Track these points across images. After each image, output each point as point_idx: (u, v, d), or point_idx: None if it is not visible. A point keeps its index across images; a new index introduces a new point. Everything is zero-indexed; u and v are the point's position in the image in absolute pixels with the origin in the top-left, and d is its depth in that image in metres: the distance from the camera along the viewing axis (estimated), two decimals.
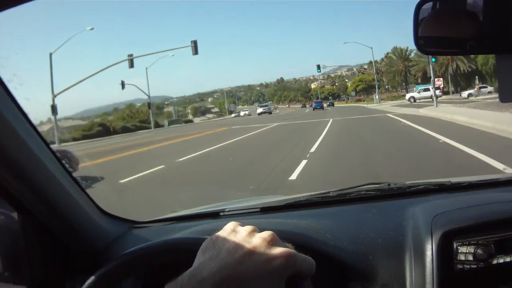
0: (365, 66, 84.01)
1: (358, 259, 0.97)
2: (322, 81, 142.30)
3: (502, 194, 1.17)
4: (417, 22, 0.75)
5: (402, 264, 0.95)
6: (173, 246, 0.81)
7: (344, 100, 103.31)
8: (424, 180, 1.42)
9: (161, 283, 0.56)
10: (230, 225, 0.59)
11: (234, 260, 0.52)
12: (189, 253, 0.57)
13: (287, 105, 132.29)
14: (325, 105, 63.80)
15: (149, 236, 1.19)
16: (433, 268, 0.90)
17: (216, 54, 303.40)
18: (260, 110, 57.42)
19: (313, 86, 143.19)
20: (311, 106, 61.81)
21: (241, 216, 1.28)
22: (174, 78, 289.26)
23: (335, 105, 72.43)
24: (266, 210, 1.29)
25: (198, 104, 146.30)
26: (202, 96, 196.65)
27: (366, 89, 79.95)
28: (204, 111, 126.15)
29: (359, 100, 78.14)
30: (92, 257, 1.06)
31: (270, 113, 54.19)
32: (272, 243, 0.54)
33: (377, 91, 47.92)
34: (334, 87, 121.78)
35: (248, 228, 0.57)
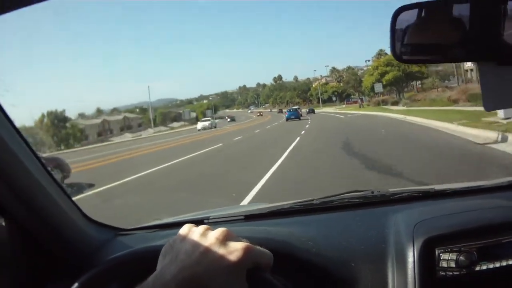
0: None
1: (340, 266, 0.96)
2: (328, 78, 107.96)
3: (485, 201, 1.17)
4: (394, 31, 0.74)
5: (384, 271, 0.95)
6: (141, 254, 0.85)
7: (356, 101, 68.27)
8: (408, 188, 1.39)
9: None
10: (185, 228, 0.61)
11: (192, 260, 0.54)
12: (157, 259, 0.60)
13: (269, 109, 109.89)
14: (305, 110, 53.49)
15: (133, 243, 1.18)
16: (414, 275, 0.90)
17: (217, 54, 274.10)
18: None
19: (315, 85, 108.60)
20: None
21: (225, 223, 1.26)
22: (182, 79, 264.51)
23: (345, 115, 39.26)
24: (250, 217, 1.29)
25: (168, 110, 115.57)
26: (204, 98, 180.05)
27: (398, 81, 43.56)
28: (174, 118, 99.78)
29: (383, 102, 43.20)
30: (77, 262, 1.06)
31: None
32: (226, 239, 0.56)
33: None
34: (340, 83, 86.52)
35: (202, 228, 0.59)
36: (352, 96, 78.53)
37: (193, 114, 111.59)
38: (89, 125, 66.64)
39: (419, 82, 47.26)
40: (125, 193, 7.87)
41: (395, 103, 40.30)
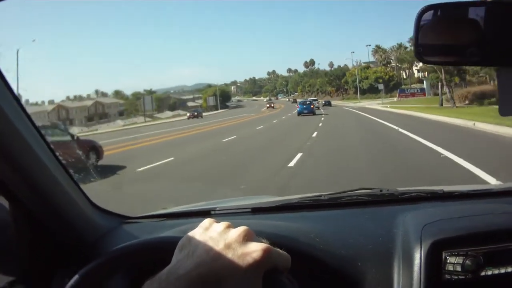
0: None
1: (346, 264, 0.97)
2: (370, 63, 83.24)
3: (493, 206, 1.18)
4: (418, 31, 0.73)
5: (390, 271, 0.95)
6: (155, 245, 0.82)
7: (414, 94, 44.37)
8: (416, 188, 1.39)
9: (147, 279, 0.57)
10: (206, 222, 0.59)
11: (209, 257, 0.53)
12: (171, 251, 0.58)
13: (291, 99, 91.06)
14: (321, 101, 49.92)
15: (139, 232, 1.19)
16: (420, 277, 0.91)
17: (245, 41, 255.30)
18: None
19: (352, 69, 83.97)
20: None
21: (232, 215, 1.28)
22: (219, 65, 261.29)
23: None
24: (257, 210, 1.29)
25: (166, 95, 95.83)
26: (234, 84, 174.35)
27: None
28: (173, 105, 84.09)
29: (485, 97, 19.92)
30: (82, 250, 1.06)
31: None
32: (246, 238, 0.55)
33: None
34: (388, 67, 62.01)
35: (223, 224, 0.58)
36: (403, 86, 54.51)
37: (194, 103, 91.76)
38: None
39: None
40: None
41: None
